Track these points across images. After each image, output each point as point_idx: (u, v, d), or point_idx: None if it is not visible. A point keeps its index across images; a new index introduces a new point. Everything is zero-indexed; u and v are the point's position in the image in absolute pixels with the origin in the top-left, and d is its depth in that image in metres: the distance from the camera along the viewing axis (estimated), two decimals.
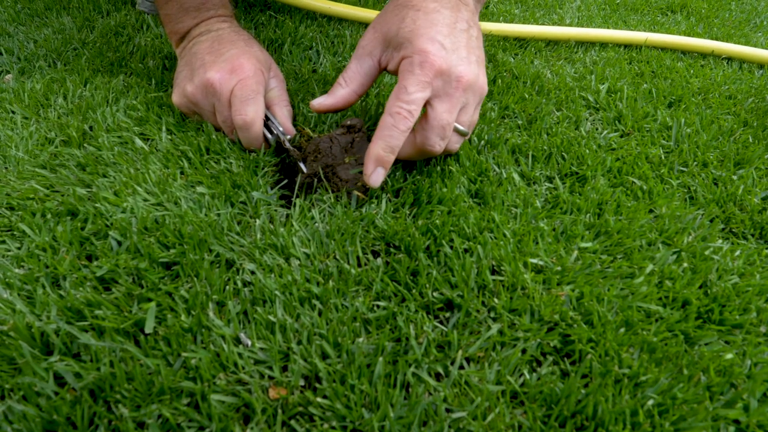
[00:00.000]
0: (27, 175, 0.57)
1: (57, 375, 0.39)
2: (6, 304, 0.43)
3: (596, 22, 1.05)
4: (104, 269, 0.46)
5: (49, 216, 0.52)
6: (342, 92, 0.58)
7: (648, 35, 0.94)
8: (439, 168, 0.60)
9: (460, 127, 0.56)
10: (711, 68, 0.90)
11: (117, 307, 0.43)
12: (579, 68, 0.87)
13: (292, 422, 0.37)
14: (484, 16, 1.05)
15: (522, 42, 0.94)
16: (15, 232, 0.50)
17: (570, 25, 1.03)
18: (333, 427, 0.37)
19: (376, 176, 0.53)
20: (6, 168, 0.59)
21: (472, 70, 0.54)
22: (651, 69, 0.88)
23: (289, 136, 0.62)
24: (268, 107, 0.64)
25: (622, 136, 0.71)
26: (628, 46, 0.95)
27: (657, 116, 0.75)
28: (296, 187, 0.58)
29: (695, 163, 0.66)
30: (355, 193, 0.56)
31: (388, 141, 0.52)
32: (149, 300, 0.44)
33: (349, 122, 0.59)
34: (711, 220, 0.58)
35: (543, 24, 1.03)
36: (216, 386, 0.39)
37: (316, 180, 0.57)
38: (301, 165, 0.59)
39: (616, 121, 0.74)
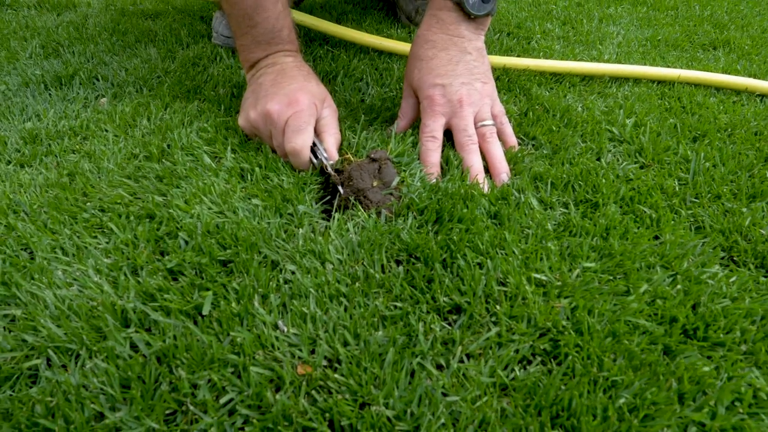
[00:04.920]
0: (116, 183, 0.69)
1: (132, 343, 0.49)
2: (96, 286, 0.54)
3: (634, 58, 1.10)
4: (173, 263, 0.56)
5: (132, 218, 0.63)
6: (402, 123, 0.81)
7: (681, 72, 0.98)
8: (462, 191, 0.67)
9: (483, 123, 0.76)
10: (743, 105, 0.94)
11: (181, 294, 0.53)
12: (610, 103, 0.92)
13: (314, 392, 0.45)
14: (526, 51, 1.12)
15: (558, 77, 1.01)
16: (105, 230, 0.62)
17: (608, 61, 1.08)
18: (346, 399, 0.44)
19: (432, 176, 0.72)
20: (99, 177, 0.71)
21: (466, 89, 0.76)
22: (681, 104, 0.92)
23: (332, 162, 0.71)
24: (318, 134, 0.74)
25: (642, 168, 0.77)
26: (662, 81, 1.00)
27: (678, 150, 0.79)
28: (335, 204, 0.67)
29: (709, 195, 0.71)
30: (384, 211, 0.64)
31: (428, 156, 0.74)
32: (207, 289, 0.54)
33: (373, 155, 0.68)
34: (713, 248, 0.63)
35: (581, 60, 1.08)
36: (255, 361, 0.47)
37: (352, 199, 0.66)
38: (339, 188, 0.68)
39: (637, 154, 0.79)
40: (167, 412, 0.44)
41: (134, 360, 0.47)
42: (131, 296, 0.53)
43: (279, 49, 0.80)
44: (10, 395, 0.45)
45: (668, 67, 1.06)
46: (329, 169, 0.69)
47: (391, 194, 0.66)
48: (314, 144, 0.72)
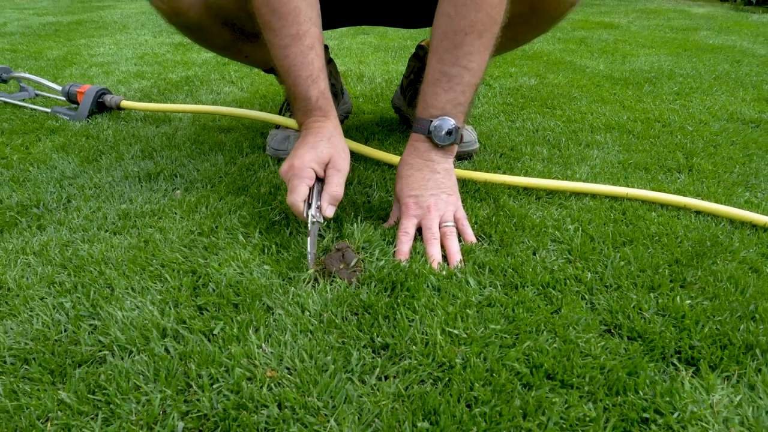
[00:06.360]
0: (175, 249, 0.98)
1: (165, 347, 0.74)
2: (149, 312, 0.81)
3: (601, 178, 1.33)
4: (202, 301, 0.83)
5: (181, 272, 0.91)
6: (390, 221, 1.07)
7: (629, 190, 1.20)
8: (416, 270, 0.91)
9: (445, 224, 1.01)
10: (678, 218, 1.13)
11: (203, 321, 0.79)
12: (563, 213, 1.15)
13: (273, 386, 0.68)
14: (512, 169, 1.38)
15: (528, 190, 1.25)
16: (162, 279, 0.90)
17: (578, 179, 1.32)
18: (292, 391, 0.67)
19: (397, 259, 0.94)
20: (165, 245, 1.00)
21: (434, 199, 1.02)
22: (623, 216, 1.13)
23: (320, 219, 0.95)
24: (324, 186, 0.99)
25: (569, 262, 0.98)
26: (614, 198, 1.21)
27: (603, 250, 1.00)
28: (320, 275, 0.92)
29: (615, 285, 0.91)
30: (354, 281, 0.89)
31: (400, 246, 0.97)
32: (220, 320, 0.79)
33: (336, 246, 0.94)
34: (596, 322, 0.82)
35: (555, 178, 1.32)
36: (240, 364, 0.71)
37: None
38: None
39: (568, 252, 1.00)
40: (179, 387, 0.68)
41: (165, 356, 0.72)
42: (171, 320, 0.79)
43: (311, 116, 1.05)
44: (87, 370, 0.71)
45: (627, 186, 1.27)
46: (309, 226, 0.94)
47: (354, 271, 0.91)
48: (311, 201, 0.97)
